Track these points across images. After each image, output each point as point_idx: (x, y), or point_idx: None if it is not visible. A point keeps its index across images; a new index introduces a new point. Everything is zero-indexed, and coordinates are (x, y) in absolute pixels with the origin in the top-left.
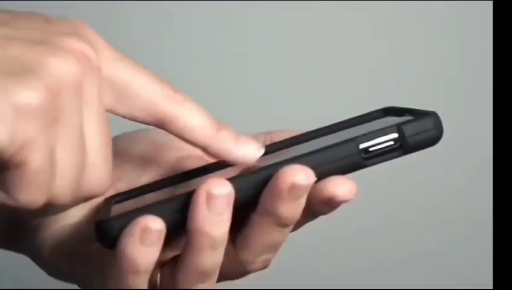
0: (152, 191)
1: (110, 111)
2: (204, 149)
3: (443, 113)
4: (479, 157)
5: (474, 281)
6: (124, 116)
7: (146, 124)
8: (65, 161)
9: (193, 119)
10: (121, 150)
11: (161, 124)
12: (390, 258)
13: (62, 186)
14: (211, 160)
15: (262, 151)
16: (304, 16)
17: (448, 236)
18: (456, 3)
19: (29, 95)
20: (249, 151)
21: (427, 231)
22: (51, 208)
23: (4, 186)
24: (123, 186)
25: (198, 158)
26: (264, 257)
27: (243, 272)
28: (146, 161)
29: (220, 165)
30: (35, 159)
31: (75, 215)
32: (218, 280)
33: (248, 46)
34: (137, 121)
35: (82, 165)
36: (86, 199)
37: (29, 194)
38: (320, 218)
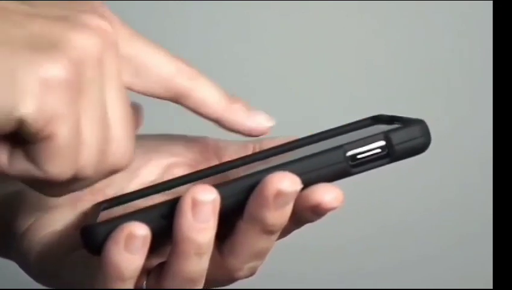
0: (141, 197)
1: (128, 88)
2: (218, 121)
3: (443, 113)
4: (479, 158)
5: (474, 282)
6: (141, 93)
7: (162, 98)
8: (90, 133)
9: (207, 93)
10: None
11: (177, 99)
12: (391, 258)
13: (88, 159)
14: (199, 167)
15: (273, 122)
16: (303, 16)
17: (449, 236)
18: (456, 3)
19: (55, 68)
20: (261, 122)
21: (427, 231)
22: (77, 182)
23: (33, 158)
24: (112, 192)
25: (187, 165)
26: (251, 264)
27: (229, 279)
28: (135, 167)
29: (208, 172)
30: (62, 132)
31: (62, 221)
32: (205, 287)
33: (247, 47)
34: (155, 97)
35: (106, 138)
36: (111, 172)
37: (57, 166)
38: (318, 221)
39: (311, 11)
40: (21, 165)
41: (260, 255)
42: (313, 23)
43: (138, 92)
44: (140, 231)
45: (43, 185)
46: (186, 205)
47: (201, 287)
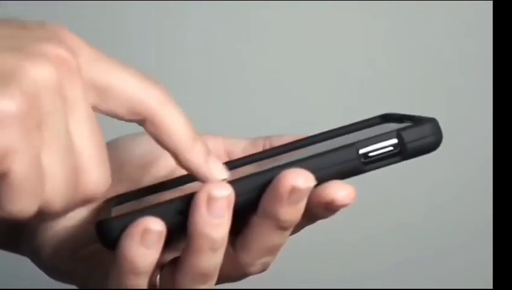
0: (152, 193)
1: (92, 109)
2: (175, 155)
3: (443, 113)
4: (479, 158)
5: (474, 282)
6: (105, 114)
7: (128, 121)
8: (53, 165)
9: (175, 123)
10: (121, 153)
11: (142, 122)
12: (390, 259)
13: (55, 192)
14: None
15: (227, 174)
16: (304, 16)
17: (449, 236)
18: (456, 3)
19: (6, 103)
20: (216, 172)
21: (427, 231)
22: (47, 215)
23: None
24: (123, 188)
25: None
26: (264, 259)
27: (242, 275)
28: (146, 163)
29: None
30: (19, 167)
31: (75, 217)
32: (218, 282)
33: (247, 47)
34: (119, 118)
35: (74, 168)
36: (84, 202)
37: (19, 203)
38: (321, 221)
39: (311, 11)
40: None
41: (273, 250)
42: (313, 23)
43: (102, 114)
44: (156, 225)
45: (11, 221)
46: (201, 201)
47: (214, 282)
